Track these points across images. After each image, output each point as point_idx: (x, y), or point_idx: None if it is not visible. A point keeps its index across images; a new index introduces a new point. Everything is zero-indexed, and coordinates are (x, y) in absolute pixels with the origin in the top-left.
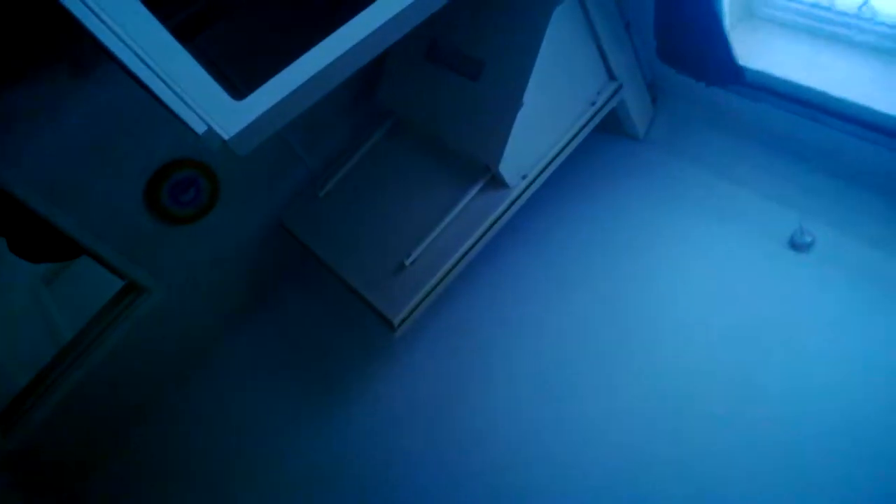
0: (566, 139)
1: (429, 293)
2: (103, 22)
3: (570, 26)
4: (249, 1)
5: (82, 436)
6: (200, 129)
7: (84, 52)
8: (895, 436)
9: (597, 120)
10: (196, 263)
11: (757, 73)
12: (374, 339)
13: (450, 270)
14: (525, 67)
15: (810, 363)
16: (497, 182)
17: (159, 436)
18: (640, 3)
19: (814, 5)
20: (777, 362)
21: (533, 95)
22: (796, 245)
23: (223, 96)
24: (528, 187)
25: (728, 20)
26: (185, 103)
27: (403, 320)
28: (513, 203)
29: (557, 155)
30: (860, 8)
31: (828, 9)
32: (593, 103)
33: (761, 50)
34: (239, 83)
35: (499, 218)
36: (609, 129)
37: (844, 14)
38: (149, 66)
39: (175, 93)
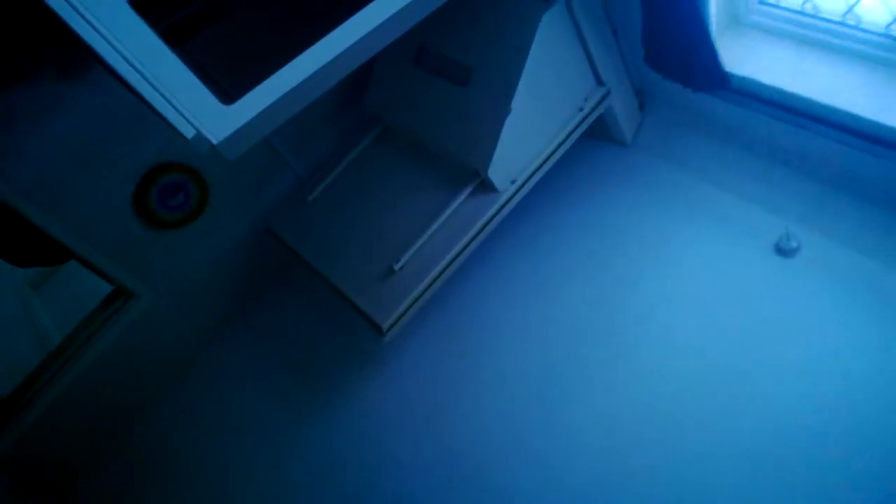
0: (555, 144)
1: (418, 298)
2: (91, 25)
3: (558, 32)
4: (241, 4)
5: (76, 439)
6: (189, 133)
7: (72, 56)
8: (879, 441)
9: (585, 125)
10: (185, 268)
11: (743, 79)
12: (363, 343)
13: (439, 275)
14: (514, 73)
15: (796, 368)
16: (486, 187)
17: (156, 437)
18: (627, 10)
19: (799, 12)
20: (763, 367)
21: (521, 101)
22: (782, 250)
23: (212, 101)
24: (516, 192)
25: (714, 27)
26: (174, 108)
27: (392, 325)
28: (502, 208)
29: (546, 160)
30: (845, 15)
31: (813, 16)
32: (581, 109)
33: (747, 56)
34: (228, 87)
35: (488, 223)
36: (597, 135)
37: (829, 21)
38: (138, 71)
39: (164, 97)
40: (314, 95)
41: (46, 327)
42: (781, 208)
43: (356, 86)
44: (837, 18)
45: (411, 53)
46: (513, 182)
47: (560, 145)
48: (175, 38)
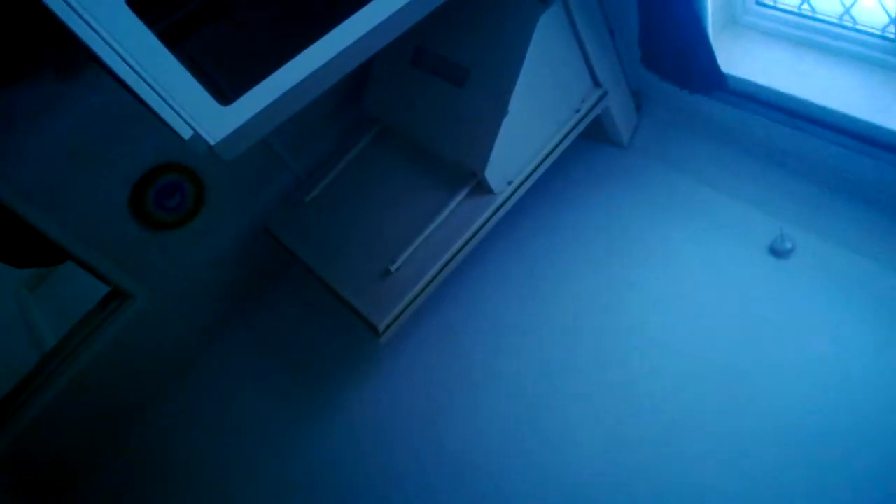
0: (551, 145)
1: (414, 299)
2: (90, 25)
3: (555, 34)
4: (239, 4)
5: (76, 439)
6: (187, 134)
7: (70, 56)
8: (875, 441)
9: (582, 126)
10: (182, 269)
11: (740, 80)
12: (359, 344)
13: (435, 276)
14: (511, 74)
15: (791, 369)
16: (482, 188)
17: (155, 437)
18: (624, 11)
19: (796, 14)
20: (758, 368)
21: (518, 102)
22: (777, 251)
23: (210, 101)
24: (513, 193)
25: (711, 28)
26: (172, 108)
27: (388, 326)
28: (498, 209)
29: (543, 161)
30: (842, 17)
31: (810, 17)
32: (578, 110)
33: (744, 58)
34: (226, 88)
35: (484, 224)
36: (593, 136)
37: (826, 22)
38: (135, 71)
39: (161, 97)
40: (312, 96)
41: (42, 329)
42: (777, 209)
43: (354, 86)
44: (834, 20)
45: (409, 54)
46: (509, 183)
47: (557, 146)
48: (173, 38)
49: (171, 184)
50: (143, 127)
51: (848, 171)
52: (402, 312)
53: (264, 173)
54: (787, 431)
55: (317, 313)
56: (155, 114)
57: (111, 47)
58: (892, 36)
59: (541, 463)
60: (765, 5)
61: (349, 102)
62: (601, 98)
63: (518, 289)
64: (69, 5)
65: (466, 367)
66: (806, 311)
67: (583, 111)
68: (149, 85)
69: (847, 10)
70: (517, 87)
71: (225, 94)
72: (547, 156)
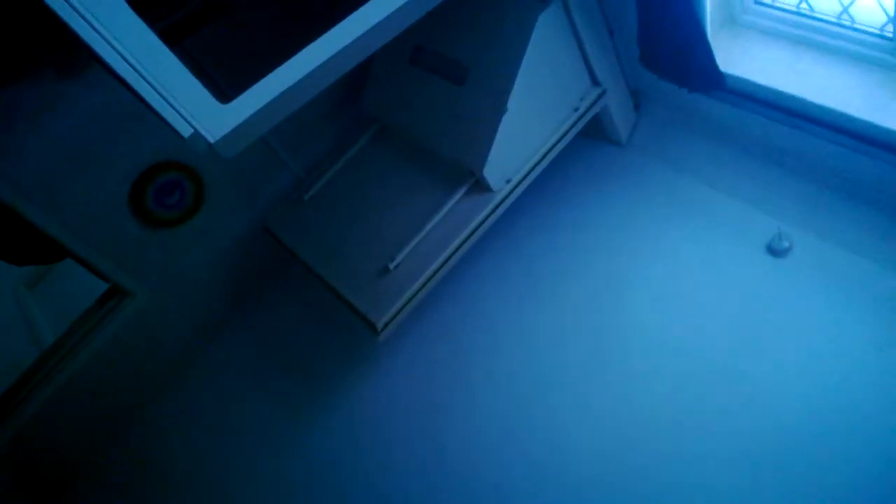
0: (550, 144)
1: (412, 297)
2: (90, 25)
3: (554, 32)
4: (239, 4)
5: (75, 438)
6: (186, 132)
7: (70, 55)
8: (873, 441)
9: (580, 125)
10: (181, 267)
11: (738, 79)
12: (357, 342)
13: (433, 274)
14: (510, 73)
15: (788, 368)
16: (481, 186)
17: (155, 437)
18: (623, 10)
19: (794, 13)
20: (755, 367)
21: (517, 101)
22: (774, 250)
23: (209, 99)
24: (511, 192)
25: (710, 27)
26: (172, 106)
27: (387, 324)
28: (496, 207)
29: (541, 160)
30: (840, 16)
31: (808, 16)
32: (577, 109)
33: (742, 57)
34: (226, 86)
35: (482, 222)
36: (592, 135)
37: (824, 21)
38: (135, 69)
39: (161, 96)
40: (311, 94)
41: (41, 326)
42: (775, 208)
43: (354, 84)
44: (833, 19)
45: (407, 53)
46: (508, 182)
47: (555, 145)
48: (174, 37)
49: (171, 182)
50: (142, 125)
51: (846, 170)
52: (400, 310)
53: (263, 172)
54: (786, 431)
55: (316, 312)
56: (155, 112)
57: (112, 46)
58: (891, 35)
59: (539, 461)
60: (763, 4)
61: (348, 101)
62: (600, 97)
63: (516, 287)
64: (70, 5)
65: (465, 366)
66: (804, 310)
67: (581, 110)
68: (149, 84)
69: (845, 9)
70: (516, 86)
71: (225, 92)
72: (545, 154)
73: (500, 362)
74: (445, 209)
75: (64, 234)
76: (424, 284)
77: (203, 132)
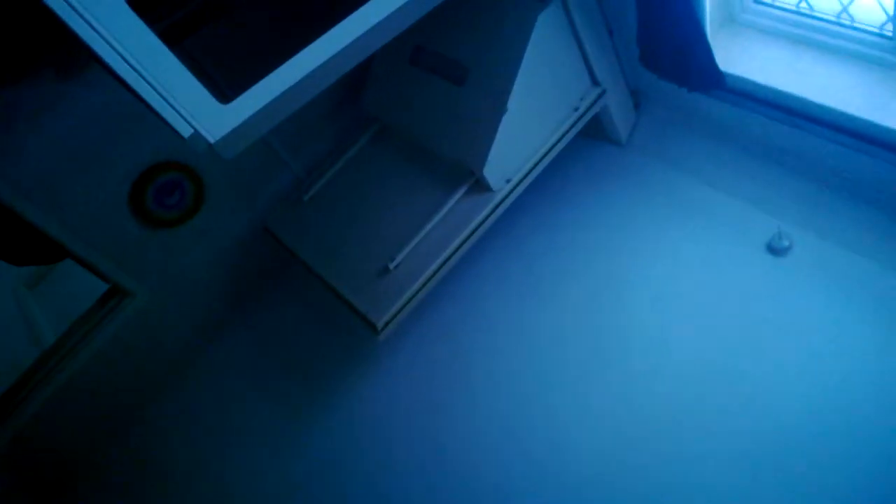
0: (550, 144)
1: (412, 297)
2: (90, 25)
3: (554, 32)
4: (239, 4)
5: (75, 438)
6: (186, 132)
7: (69, 56)
8: (873, 441)
9: (580, 125)
10: (181, 267)
11: (738, 78)
12: (357, 342)
13: (433, 274)
14: (509, 73)
15: (788, 368)
16: (481, 186)
17: (155, 437)
18: (622, 10)
19: (794, 12)
20: (755, 366)
21: (517, 100)
22: (774, 249)
23: (209, 100)
24: (511, 191)
25: (709, 26)
26: (172, 107)
27: (387, 324)
28: (496, 207)
29: (541, 160)
30: (839, 14)
31: (808, 15)
32: (577, 108)
33: (742, 56)
34: (226, 86)
35: (482, 222)
36: (592, 135)
37: (824, 20)
38: (136, 70)
39: (161, 96)
40: (312, 94)
41: (42, 326)
42: (775, 208)
43: (354, 84)
44: (832, 18)
45: (407, 53)
46: (508, 181)
47: (555, 145)
48: (173, 37)
49: (171, 182)
50: (142, 125)
51: (846, 169)
52: (400, 310)
53: (264, 172)
54: (786, 430)
55: (316, 312)
56: (155, 112)
57: (112, 47)
58: (890, 34)
59: (539, 461)
60: (763, 3)
61: (348, 101)
62: (600, 96)
63: (516, 287)
64: (70, 5)
65: (465, 365)
66: (804, 310)
67: (581, 109)
68: (149, 84)
69: (845, 8)
70: (516, 86)
71: (224, 93)
72: (545, 154)
73: (500, 362)
74: (445, 209)
75: (64, 235)
76: (425, 284)
77: (203, 132)
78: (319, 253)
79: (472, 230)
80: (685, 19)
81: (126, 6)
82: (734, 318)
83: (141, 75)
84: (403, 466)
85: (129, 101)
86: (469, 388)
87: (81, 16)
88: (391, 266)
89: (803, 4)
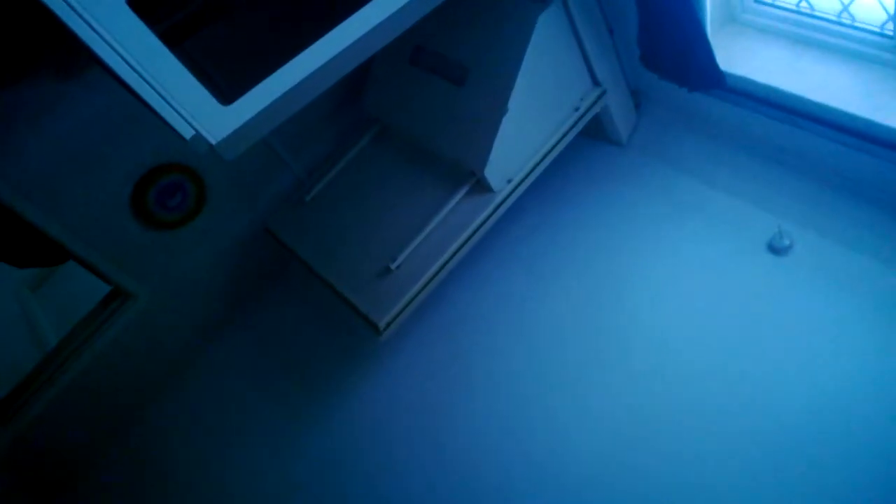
0: (550, 144)
1: (414, 297)
2: (90, 26)
3: (554, 32)
4: (240, 5)
5: (76, 439)
6: (188, 133)
7: (69, 56)
8: (873, 440)
9: (581, 125)
10: (183, 268)
11: (738, 78)
12: (357, 342)
13: (435, 274)
14: (510, 73)
15: (789, 366)
16: (482, 186)
17: (155, 437)
18: (623, 10)
19: (794, 11)
20: (755, 365)
21: (518, 100)
22: (775, 248)
23: (211, 101)
24: (512, 192)
25: (710, 26)
26: (173, 108)
27: (389, 324)
28: (497, 207)
29: (542, 160)
30: (840, 14)
31: (808, 15)
32: (577, 109)
33: (742, 55)
34: (227, 88)
35: (483, 222)
36: (592, 135)
37: (825, 20)
38: (136, 71)
39: (163, 98)
40: (312, 95)
41: (44, 328)
42: (776, 207)
43: (354, 85)
44: (833, 17)
45: (407, 53)
46: (509, 182)
47: (556, 145)
48: (174, 38)
49: (173, 183)
50: (144, 127)
51: (846, 168)
52: (402, 311)
53: (265, 173)
54: (786, 431)
55: (317, 313)
56: (156, 114)
57: (112, 48)
58: (891, 33)
59: (539, 461)
60: (763, 3)
61: (349, 102)
62: (600, 97)
63: (518, 286)
64: (70, 6)
65: (466, 366)
66: (804, 308)
67: (582, 110)
68: (150, 85)
69: (845, 8)
70: (516, 86)
71: (225, 94)
72: (546, 154)
73: (500, 362)
74: (446, 209)
75: (65, 236)
76: (426, 284)
77: (205, 134)
78: (321, 254)
79: (474, 230)
80: (686, 19)
81: (126, 7)
82: (734, 317)
83: (142, 77)
84: (403, 467)
85: (130, 102)
86: (469, 388)
87: (81, 17)
88: (393, 266)
89: (804, 4)
